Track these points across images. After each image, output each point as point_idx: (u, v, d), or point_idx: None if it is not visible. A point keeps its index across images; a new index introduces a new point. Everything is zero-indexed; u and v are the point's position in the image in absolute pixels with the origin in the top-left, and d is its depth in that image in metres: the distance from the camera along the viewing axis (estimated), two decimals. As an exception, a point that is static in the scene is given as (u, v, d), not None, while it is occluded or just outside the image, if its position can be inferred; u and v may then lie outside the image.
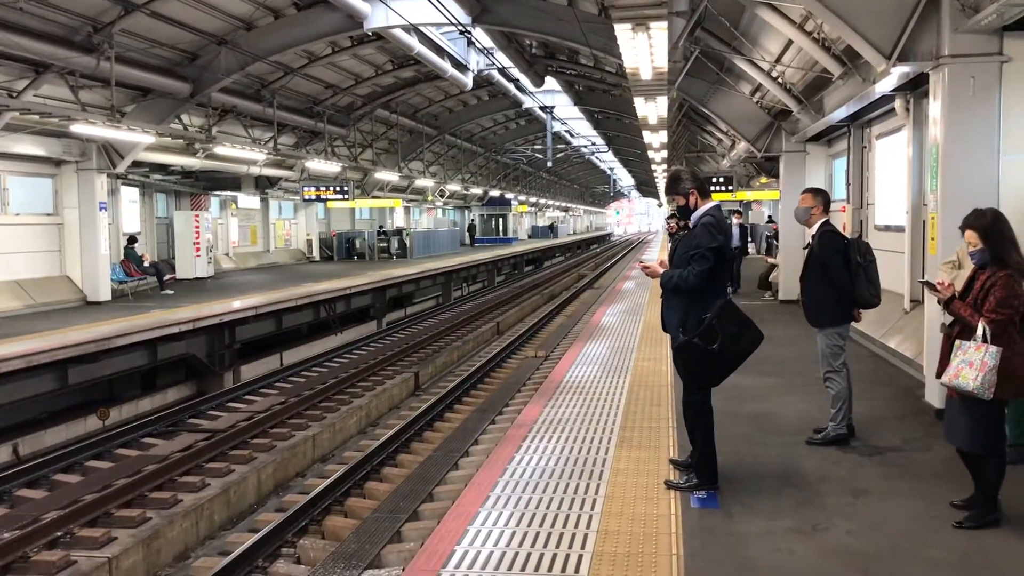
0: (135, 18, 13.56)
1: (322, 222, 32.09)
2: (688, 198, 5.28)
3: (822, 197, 6.41)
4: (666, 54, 8.61)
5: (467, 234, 49.55)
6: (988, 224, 4.60)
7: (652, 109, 12.88)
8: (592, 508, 5.02)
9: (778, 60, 12.59)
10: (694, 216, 5.24)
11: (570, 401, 7.86)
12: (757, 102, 15.57)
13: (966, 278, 4.82)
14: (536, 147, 38.70)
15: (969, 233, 4.67)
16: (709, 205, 5.24)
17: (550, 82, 24.95)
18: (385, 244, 32.28)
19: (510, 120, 35.67)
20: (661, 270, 5.29)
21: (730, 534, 4.62)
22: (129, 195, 20.45)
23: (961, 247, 5.32)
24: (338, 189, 25.49)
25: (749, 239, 20.15)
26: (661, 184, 35.60)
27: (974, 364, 4.43)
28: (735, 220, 18.70)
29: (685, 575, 4.12)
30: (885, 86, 8.91)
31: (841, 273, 6.09)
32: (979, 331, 4.48)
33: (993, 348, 4.41)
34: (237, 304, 15.17)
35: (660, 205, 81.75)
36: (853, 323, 6.37)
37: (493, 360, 14.99)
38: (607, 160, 53.15)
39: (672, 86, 12.81)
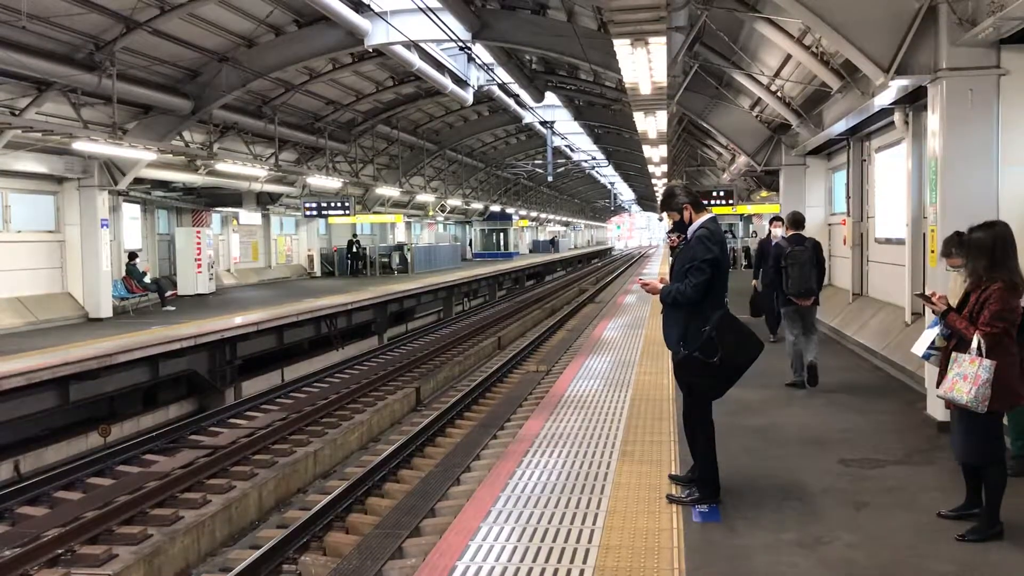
0: (137, 36, 13.65)
1: (323, 238, 32.13)
2: (683, 213, 5.31)
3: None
4: (665, 69, 8.66)
5: (468, 248, 49.51)
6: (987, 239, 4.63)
7: (652, 123, 12.93)
8: (594, 523, 5.00)
9: (777, 74, 12.64)
10: (690, 230, 5.27)
11: (571, 415, 7.85)
12: (757, 116, 15.62)
13: (962, 291, 4.83)
14: (536, 162, 38.79)
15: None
16: (704, 218, 5.27)
17: (550, 97, 25.07)
18: (352, 260, 30.82)
19: (510, 135, 35.79)
20: (660, 286, 5.31)
21: (732, 548, 4.60)
22: (131, 212, 20.52)
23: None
24: (339, 205, 25.56)
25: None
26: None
27: (968, 377, 4.44)
28: (776, 231, 11.64)
29: (687, 589, 4.11)
30: (884, 99, 8.95)
31: (773, 272, 9.10)
32: (974, 344, 4.49)
33: (987, 362, 4.42)
34: (238, 320, 15.18)
35: (660, 219, 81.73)
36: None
37: (494, 375, 14.96)
38: (607, 174, 53.24)
39: (671, 100, 12.87)
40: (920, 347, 5.11)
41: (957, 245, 5.44)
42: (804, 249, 8.75)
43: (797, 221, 9.15)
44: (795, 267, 8.65)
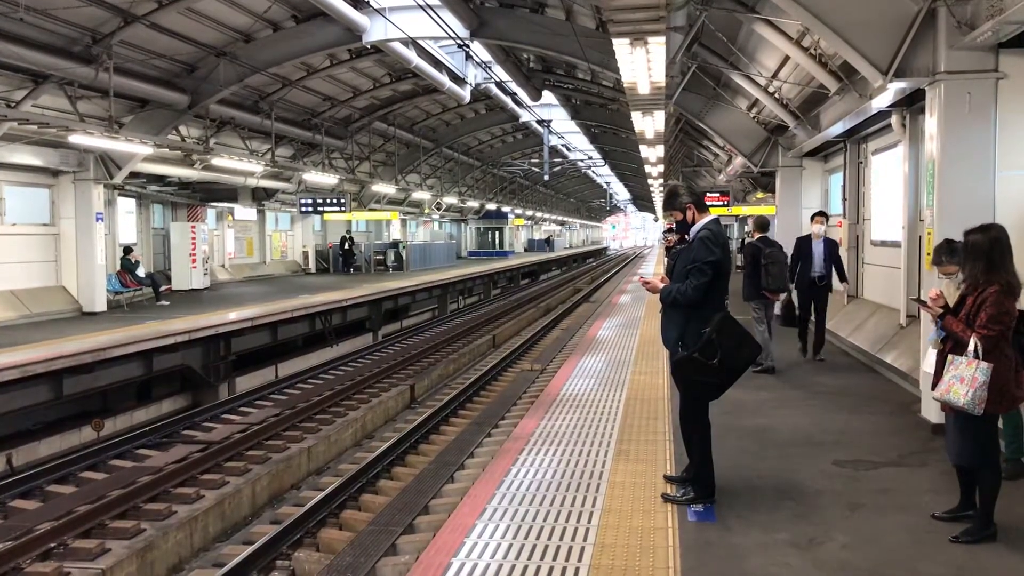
0: (134, 29, 13.61)
1: (318, 234, 32.06)
2: (686, 213, 5.31)
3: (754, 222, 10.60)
4: (664, 69, 8.66)
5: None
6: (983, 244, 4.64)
7: (649, 123, 12.93)
8: (589, 521, 5.00)
9: (775, 75, 12.65)
10: (692, 230, 5.26)
11: (566, 414, 7.85)
12: (754, 117, 15.63)
13: (959, 294, 4.84)
14: (533, 161, 38.78)
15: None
16: (707, 219, 5.27)
17: (547, 96, 25.04)
18: (344, 256, 30.44)
19: (507, 134, 35.77)
20: (661, 285, 5.31)
21: (727, 547, 4.61)
22: (126, 206, 20.44)
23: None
24: (335, 201, 25.51)
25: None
26: (657, 198, 35.65)
27: (965, 379, 4.44)
28: (815, 229, 10.47)
29: (682, 588, 4.11)
30: (881, 102, 8.97)
31: (751, 268, 9.76)
32: (971, 346, 4.49)
33: (984, 364, 4.42)
34: (233, 315, 15.14)
35: (656, 219, 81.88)
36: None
37: (489, 373, 14.97)
38: (603, 174, 53.26)
39: (669, 101, 12.88)
40: (930, 364, 5.00)
41: (947, 253, 5.46)
42: (778, 250, 9.74)
43: (763, 225, 10.05)
44: (775, 265, 9.56)
